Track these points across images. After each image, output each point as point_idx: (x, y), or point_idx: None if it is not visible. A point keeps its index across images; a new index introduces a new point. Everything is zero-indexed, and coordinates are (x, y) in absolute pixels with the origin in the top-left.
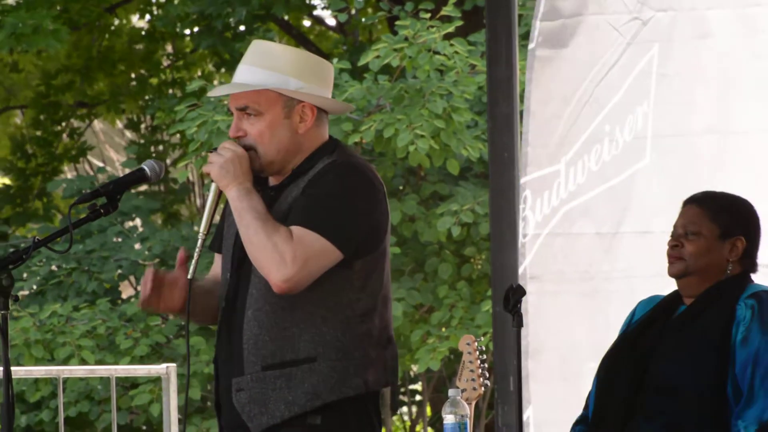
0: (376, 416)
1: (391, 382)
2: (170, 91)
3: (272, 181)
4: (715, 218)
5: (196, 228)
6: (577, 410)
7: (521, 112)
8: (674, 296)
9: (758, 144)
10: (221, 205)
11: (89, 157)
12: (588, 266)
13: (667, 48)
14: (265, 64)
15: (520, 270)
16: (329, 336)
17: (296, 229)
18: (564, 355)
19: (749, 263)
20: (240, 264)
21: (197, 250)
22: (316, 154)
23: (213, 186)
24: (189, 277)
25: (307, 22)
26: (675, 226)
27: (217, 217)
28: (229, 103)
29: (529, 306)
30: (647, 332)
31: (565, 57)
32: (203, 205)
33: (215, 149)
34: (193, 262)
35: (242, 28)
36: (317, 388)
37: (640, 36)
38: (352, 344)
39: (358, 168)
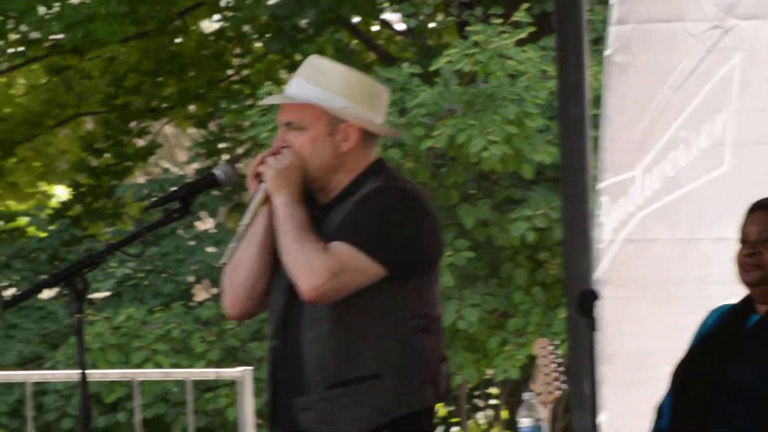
0: (431, 431)
1: (444, 398)
2: (239, 86)
3: (320, 200)
4: None
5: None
6: (650, 416)
7: (593, 117)
8: (745, 303)
9: None
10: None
11: (160, 161)
12: (662, 272)
13: (751, 56)
14: (315, 80)
15: (596, 275)
16: (390, 352)
17: (335, 243)
18: (637, 361)
19: None
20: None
21: (235, 238)
22: (363, 176)
23: (261, 187)
24: (222, 261)
25: (375, 27)
26: (746, 233)
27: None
28: (277, 117)
29: (604, 311)
30: (721, 339)
31: (642, 64)
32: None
33: (273, 152)
34: (229, 248)
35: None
36: (384, 404)
37: (720, 44)
38: (411, 360)
39: (406, 191)
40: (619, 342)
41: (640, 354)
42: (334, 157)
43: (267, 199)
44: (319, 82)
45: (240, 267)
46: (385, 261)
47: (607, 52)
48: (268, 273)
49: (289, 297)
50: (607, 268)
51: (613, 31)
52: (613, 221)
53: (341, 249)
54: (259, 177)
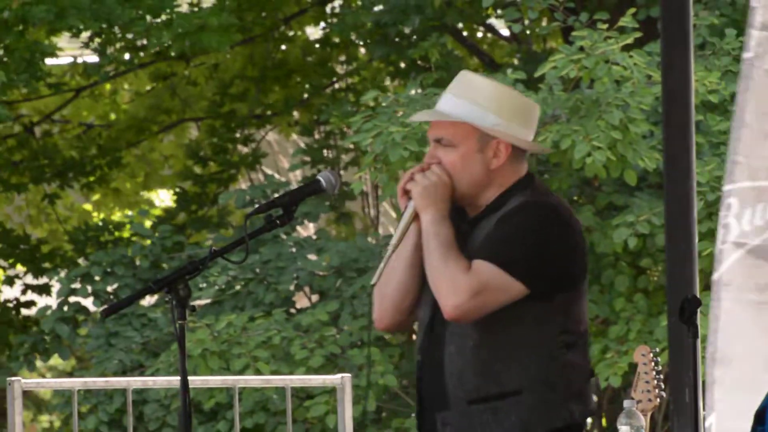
0: None
1: (594, 413)
2: (343, 95)
3: (469, 212)
4: None
5: (371, 239)
6: None
7: (696, 123)
8: None
9: None
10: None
11: (263, 167)
12: None
13: None
14: (467, 96)
15: (715, 276)
16: (533, 369)
17: (477, 262)
18: (755, 365)
19: None
20: None
21: (385, 258)
22: (510, 191)
23: (411, 204)
24: (372, 282)
25: (479, 33)
26: None
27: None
28: (428, 133)
29: (721, 313)
30: None
31: None
32: (377, 217)
33: (422, 168)
34: (380, 268)
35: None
36: (525, 420)
37: None
38: (556, 376)
39: (552, 207)
40: (736, 345)
41: (759, 358)
42: (483, 174)
43: (416, 216)
44: (470, 98)
45: (390, 281)
46: (528, 280)
47: (747, 55)
48: (417, 288)
49: (435, 311)
50: (730, 270)
51: (755, 36)
52: (745, 225)
53: (483, 268)
54: (407, 194)
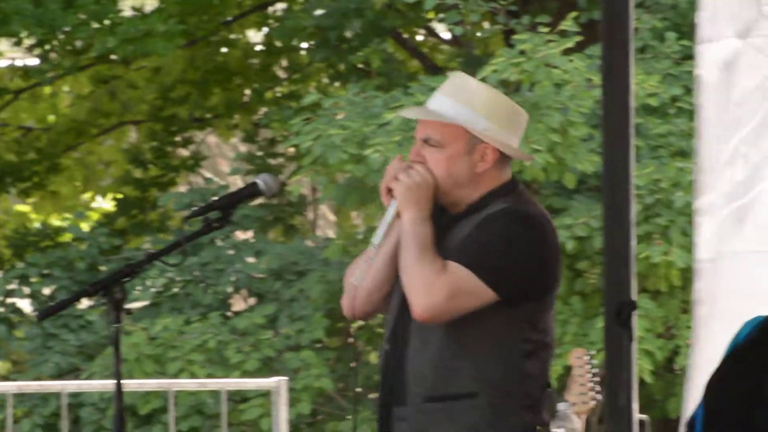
0: None
1: (546, 425)
2: (285, 104)
3: (451, 211)
4: None
5: (309, 242)
6: None
7: (636, 126)
8: None
9: None
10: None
11: (202, 171)
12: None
13: None
14: (459, 98)
15: (693, 295)
16: (491, 373)
17: (452, 265)
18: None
19: None
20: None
21: (366, 257)
22: (492, 194)
23: (393, 203)
24: (355, 283)
25: (420, 37)
26: None
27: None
28: (416, 130)
29: (700, 330)
30: (757, 351)
31: (723, 82)
32: (315, 220)
33: (406, 167)
34: (362, 268)
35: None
36: (477, 423)
37: None
38: (513, 383)
39: (531, 216)
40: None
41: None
42: (468, 177)
43: (398, 214)
44: (463, 100)
45: (367, 272)
46: (499, 287)
47: (697, 71)
48: (392, 281)
49: (402, 307)
50: (705, 285)
51: (699, 50)
52: (713, 237)
53: (457, 272)
54: (390, 192)
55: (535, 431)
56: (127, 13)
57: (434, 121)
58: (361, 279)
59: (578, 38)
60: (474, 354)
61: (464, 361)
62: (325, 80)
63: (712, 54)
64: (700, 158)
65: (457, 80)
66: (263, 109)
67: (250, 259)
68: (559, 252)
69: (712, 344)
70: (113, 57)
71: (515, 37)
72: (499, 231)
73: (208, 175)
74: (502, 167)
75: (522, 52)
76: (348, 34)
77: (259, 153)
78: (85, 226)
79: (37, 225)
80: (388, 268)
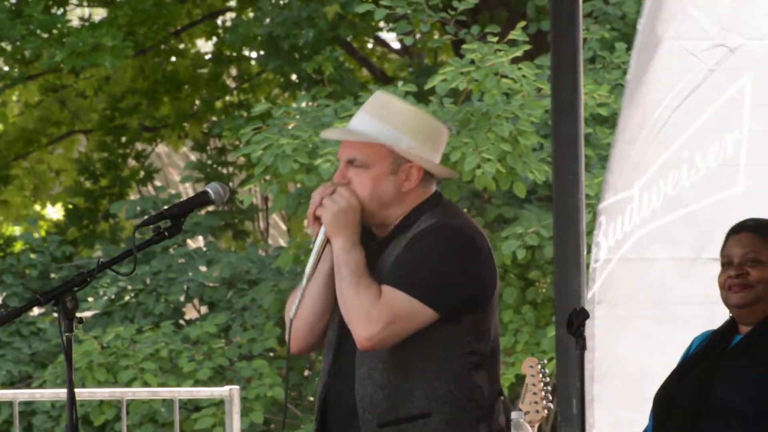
0: None
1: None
2: (236, 113)
3: (377, 233)
4: None
5: (261, 251)
6: None
7: (586, 136)
8: (729, 325)
9: None
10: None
11: (153, 179)
12: (663, 291)
13: (763, 77)
14: (382, 117)
15: (589, 294)
16: (441, 390)
17: (387, 290)
18: (633, 381)
19: None
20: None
21: (301, 292)
22: (418, 210)
23: (322, 230)
24: (291, 317)
25: (370, 45)
26: (729, 255)
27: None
28: (339, 151)
29: (596, 330)
30: (705, 361)
31: (642, 82)
32: (267, 229)
33: (330, 191)
34: (297, 302)
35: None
36: None
37: (727, 63)
38: (464, 397)
39: (459, 230)
40: (614, 361)
41: (638, 373)
42: (394, 196)
43: (328, 241)
44: (386, 119)
45: (304, 304)
46: (437, 304)
47: (629, 77)
48: (331, 310)
49: (343, 333)
50: (602, 287)
51: (635, 57)
52: (610, 240)
53: (394, 296)
54: (318, 220)
55: None
56: (76, 22)
57: (358, 142)
58: (295, 312)
59: (527, 47)
60: (423, 374)
61: (414, 382)
62: (276, 90)
63: (640, 60)
64: (612, 160)
65: (379, 98)
66: (213, 118)
67: (203, 268)
68: (491, 259)
69: (610, 345)
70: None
71: (465, 46)
72: (428, 248)
73: (159, 183)
74: (427, 184)
75: (471, 62)
76: (300, 43)
77: (209, 162)
78: (37, 235)
79: None
80: (326, 297)
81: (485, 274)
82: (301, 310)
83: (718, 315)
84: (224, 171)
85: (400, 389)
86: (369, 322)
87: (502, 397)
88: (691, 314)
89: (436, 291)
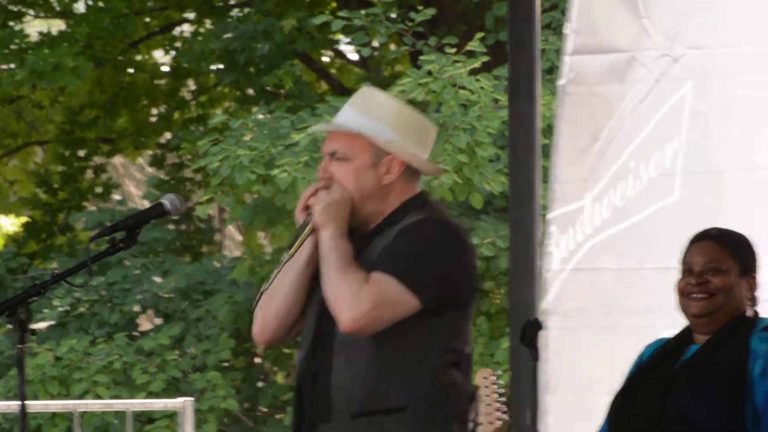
0: None
1: None
2: (193, 126)
3: (361, 229)
4: (737, 255)
5: (217, 263)
6: None
7: (543, 147)
8: (684, 334)
9: None
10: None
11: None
12: (610, 301)
13: (702, 85)
14: (365, 110)
15: (542, 305)
16: (419, 386)
17: (376, 274)
18: (584, 391)
19: (754, 299)
20: (328, 312)
21: (279, 267)
22: (405, 207)
23: (310, 218)
24: (263, 289)
25: (326, 58)
26: (690, 263)
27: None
28: (322, 147)
29: (549, 341)
30: (660, 370)
31: (594, 93)
32: (222, 240)
33: (324, 185)
34: (273, 274)
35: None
36: None
37: (670, 73)
38: (440, 394)
39: (449, 226)
40: (566, 372)
41: (587, 384)
42: (375, 189)
43: (313, 231)
44: (368, 112)
45: (276, 294)
46: (423, 294)
47: (560, 82)
48: (302, 303)
49: (322, 322)
50: (555, 298)
51: (568, 61)
52: (562, 251)
53: (382, 280)
54: (308, 209)
55: None
56: (35, 36)
57: (339, 133)
58: (269, 284)
59: (485, 59)
60: (401, 368)
61: (392, 375)
62: (233, 104)
63: (583, 66)
64: (558, 170)
65: (364, 93)
66: (169, 135)
67: (158, 279)
68: (475, 262)
69: (562, 356)
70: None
71: (422, 57)
72: (420, 239)
73: (115, 195)
74: (411, 180)
75: (429, 73)
76: (256, 57)
77: (167, 178)
78: None
79: None
80: (299, 289)
81: (470, 274)
82: (271, 303)
83: (659, 325)
84: (181, 187)
85: (377, 381)
86: (356, 304)
87: (476, 401)
88: (635, 324)
89: (424, 280)
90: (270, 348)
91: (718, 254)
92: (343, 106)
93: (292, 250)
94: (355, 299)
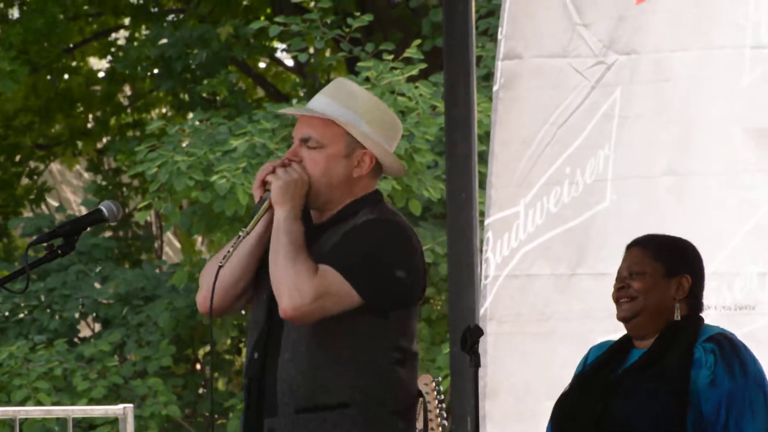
0: None
1: None
2: (130, 133)
3: (314, 218)
4: (659, 257)
5: (156, 270)
6: None
7: (480, 153)
8: (626, 339)
9: (717, 186)
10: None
11: (46, 198)
12: (544, 307)
13: (629, 91)
14: (342, 101)
15: (481, 311)
16: (363, 383)
17: (323, 267)
18: (520, 396)
19: (695, 303)
20: (277, 306)
21: (234, 242)
22: (358, 202)
23: (268, 195)
24: (220, 264)
25: (263, 64)
26: (619, 271)
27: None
28: (294, 130)
29: (488, 347)
30: (602, 375)
31: (527, 99)
32: (161, 246)
33: (283, 163)
34: (228, 251)
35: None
36: None
37: (604, 79)
38: (386, 392)
39: (399, 227)
40: (503, 377)
41: (524, 389)
42: (343, 180)
43: (270, 207)
44: (345, 103)
45: (224, 266)
46: (366, 292)
47: (495, 88)
48: (249, 278)
49: (271, 314)
50: (491, 304)
51: (500, 66)
52: (498, 257)
53: (328, 274)
54: (265, 185)
55: None
56: None
57: (315, 120)
58: (225, 260)
59: (423, 65)
60: (346, 363)
61: (336, 370)
62: (170, 109)
63: (513, 72)
64: (494, 176)
65: (340, 84)
66: (107, 139)
67: (97, 285)
68: (423, 262)
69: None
70: None
71: (360, 64)
72: (370, 239)
73: (52, 202)
74: (375, 176)
75: (367, 79)
76: (192, 63)
77: (104, 183)
78: None
79: None
80: (248, 263)
81: (417, 274)
82: (220, 275)
83: (594, 330)
84: (119, 193)
85: (321, 377)
86: (299, 293)
87: (422, 399)
88: (569, 330)
89: (371, 279)
90: (209, 354)
91: (639, 258)
92: (317, 94)
93: (249, 227)
94: (300, 288)
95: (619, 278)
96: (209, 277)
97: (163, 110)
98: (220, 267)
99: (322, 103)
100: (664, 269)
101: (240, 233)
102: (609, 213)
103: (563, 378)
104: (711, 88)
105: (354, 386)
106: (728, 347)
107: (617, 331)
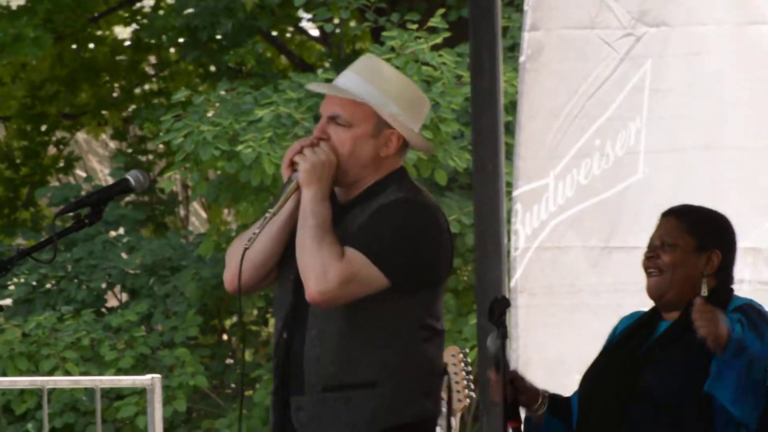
0: None
1: (440, 411)
2: (156, 101)
3: (340, 197)
4: (692, 230)
5: (183, 240)
6: None
7: (506, 124)
8: (653, 311)
9: (751, 160)
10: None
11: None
12: (575, 280)
13: (660, 64)
14: (372, 80)
15: (511, 283)
16: (390, 361)
17: (350, 251)
18: (551, 369)
19: (725, 276)
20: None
21: (261, 224)
22: (385, 181)
23: (295, 175)
24: (246, 247)
25: (288, 34)
26: (652, 238)
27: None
28: (322, 106)
29: (518, 319)
30: (630, 346)
31: (553, 70)
32: (187, 216)
33: (311, 143)
34: (254, 233)
35: (225, 42)
36: (376, 412)
37: (633, 52)
38: (412, 371)
39: (426, 206)
40: (534, 350)
41: (554, 362)
42: (371, 159)
43: (297, 188)
44: (375, 82)
45: (254, 245)
46: (395, 275)
47: (521, 59)
48: (278, 256)
49: (298, 293)
50: (521, 276)
51: (527, 38)
52: (527, 229)
53: (355, 258)
54: (293, 166)
55: (434, 419)
56: None
57: (343, 99)
58: (251, 243)
59: (446, 34)
60: (374, 342)
61: (363, 350)
62: (196, 80)
63: (540, 43)
64: (522, 147)
65: (369, 61)
66: (133, 106)
67: (124, 255)
68: (450, 241)
69: (531, 334)
70: None
71: (384, 33)
72: (395, 220)
73: (78, 171)
74: (401, 155)
75: (392, 49)
76: (218, 34)
77: (129, 150)
78: None
79: None
80: (277, 243)
81: (444, 253)
82: (248, 251)
83: (626, 304)
84: (144, 159)
85: (349, 355)
86: (326, 277)
87: (446, 377)
88: (600, 303)
89: (397, 262)
90: (236, 325)
91: (672, 230)
92: (345, 70)
93: (276, 207)
94: (326, 273)
95: (651, 246)
96: (236, 257)
97: (191, 81)
98: (246, 249)
99: (350, 80)
100: (695, 243)
101: (267, 214)
102: (642, 186)
103: (594, 351)
104: (744, 63)
105: (380, 366)
106: (755, 315)
107: (648, 305)
